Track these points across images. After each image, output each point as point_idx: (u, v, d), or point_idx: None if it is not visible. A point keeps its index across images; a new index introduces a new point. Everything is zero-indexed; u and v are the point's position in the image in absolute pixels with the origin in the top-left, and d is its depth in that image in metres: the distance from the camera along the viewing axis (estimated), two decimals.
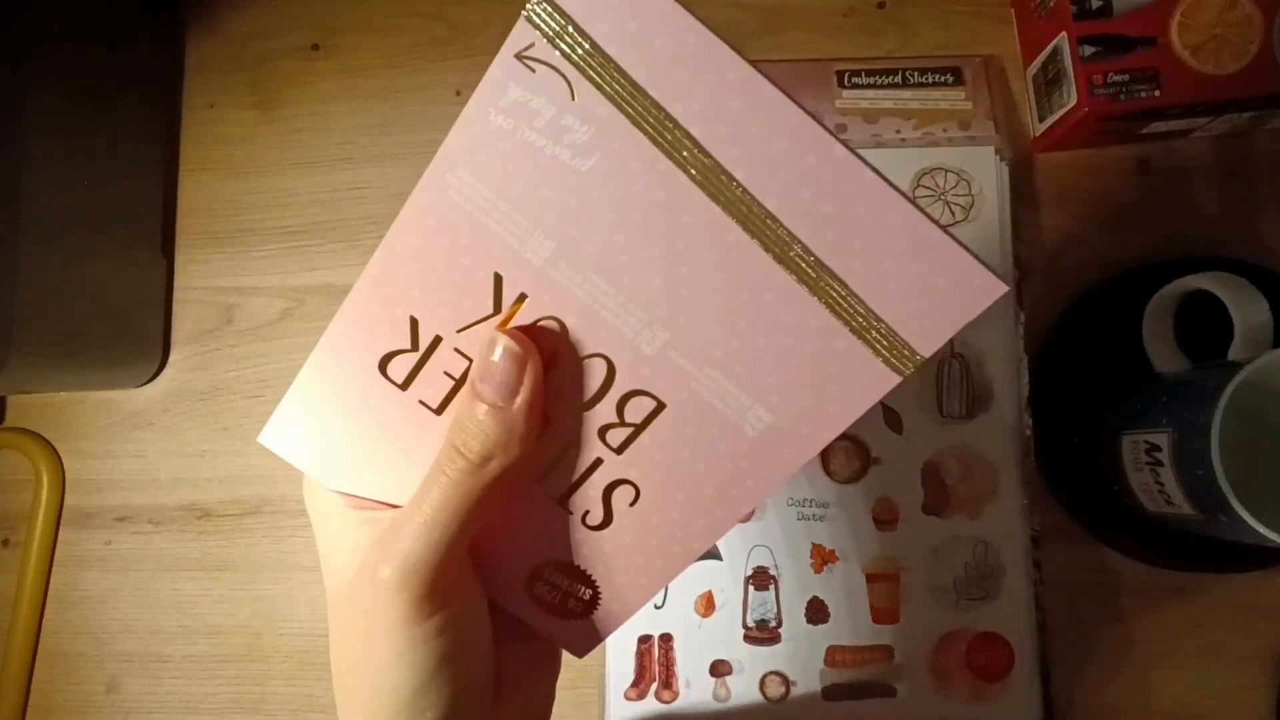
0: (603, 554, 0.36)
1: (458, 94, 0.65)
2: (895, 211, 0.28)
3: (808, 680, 0.59)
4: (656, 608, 0.61)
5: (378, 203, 0.67)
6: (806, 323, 0.30)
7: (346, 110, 0.69)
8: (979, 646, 0.59)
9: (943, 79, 0.65)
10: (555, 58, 0.29)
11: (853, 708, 0.59)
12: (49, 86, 0.59)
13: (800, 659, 0.60)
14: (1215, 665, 0.59)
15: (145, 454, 0.68)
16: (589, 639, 0.37)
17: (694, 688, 0.60)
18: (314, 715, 0.64)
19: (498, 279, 0.32)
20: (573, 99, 0.29)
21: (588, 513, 0.35)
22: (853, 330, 0.30)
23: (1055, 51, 0.59)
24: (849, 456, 0.61)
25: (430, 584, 0.32)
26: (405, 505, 0.33)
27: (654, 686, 0.60)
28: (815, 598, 0.60)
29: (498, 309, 0.33)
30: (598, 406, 0.33)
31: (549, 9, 0.29)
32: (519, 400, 0.31)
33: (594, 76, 0.29)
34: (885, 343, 0.30)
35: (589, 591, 0.36)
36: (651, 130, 0.29)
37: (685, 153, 0.29)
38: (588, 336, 0.32)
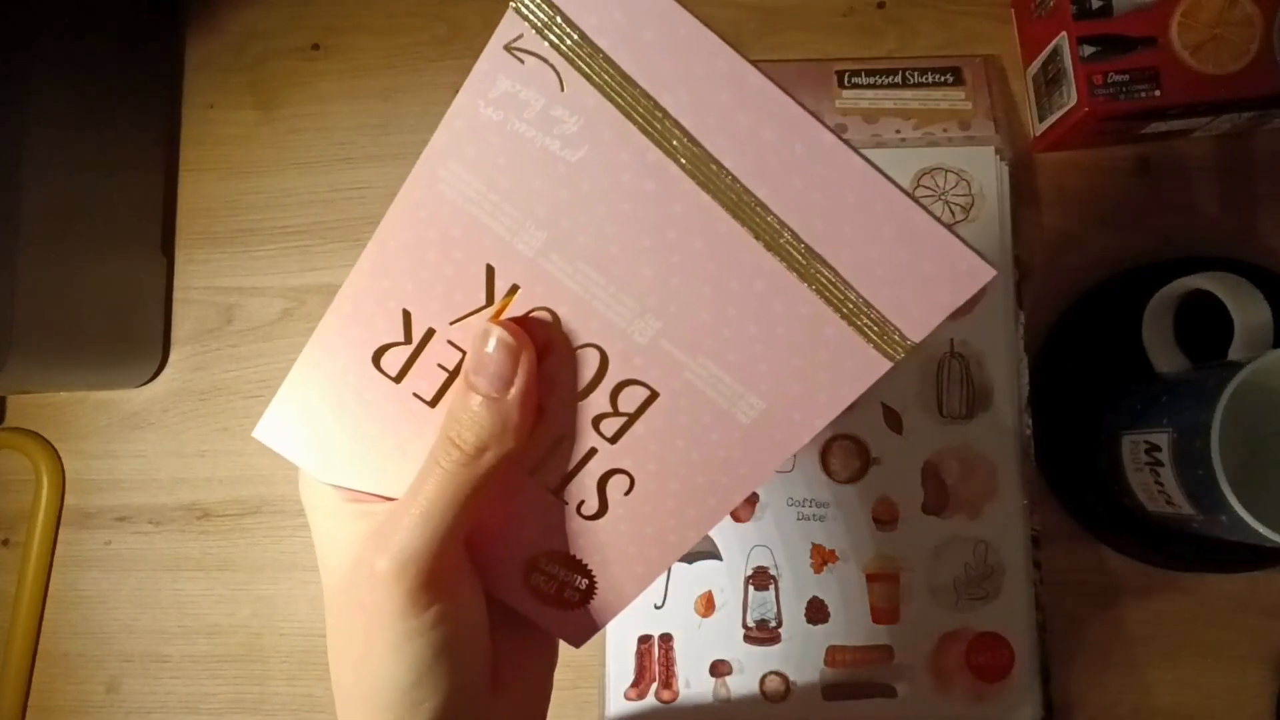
0: (598, 544, 0.36)
1: (457, 94, 0.65)
2: (884, 198, 0.28)
3: (808, 680, 0.59)
4: (656, 608, 0.61)
5: (378, 203, 0.67)
6: (797, 310, 0.30)
7: (346, 110, 0.70)
8: (979, 646, 0.58)
9: (943, 79, 0.65)
10: (544, 49, 0.29)
11: (853, 708, 0.59)
12: (49, 86, 0.59)
13: (800, 659, 0.59)
14: (1215, 665, 0.59)
15: (145, 454, 0.68)
16: (586, 629, 0.37)
17: (694, 688, 0.60)
18: (314, 715, 0.64)
19: (490, 271, 0.32)
20: (562, 90, 0.29)
21: (583, 503, 0.35)
22: (843, 317, 0.30)
23: (1055, 51, 0.59)
24: (849, 456, 0.61)
25: (426, 576, 0.31)
26: (400, 498, 0.33)
27: (654, 686, 0.60)
28: (815, 598, 0.60)
29: (490, 301, 0.33)
30: (591, 396, 0.33)
31: (538, 0, 0.29)
32: (513, 391, 0.31)
33: (583, 67, 0.29)
34: (876, 329, 0.30)
35: (585, 581, 0.36)
36: (641, 120, 0.29)
37: (675, 142, 0.29)
38: (580, 327, 0.32)
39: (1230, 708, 0.59)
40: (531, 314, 0.32)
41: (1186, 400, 0.50)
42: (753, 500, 0.61)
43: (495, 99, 0.30)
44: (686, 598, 0.61)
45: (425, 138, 0.31)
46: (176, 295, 0.69)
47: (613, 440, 0.34)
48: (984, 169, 0.62)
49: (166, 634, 0.66)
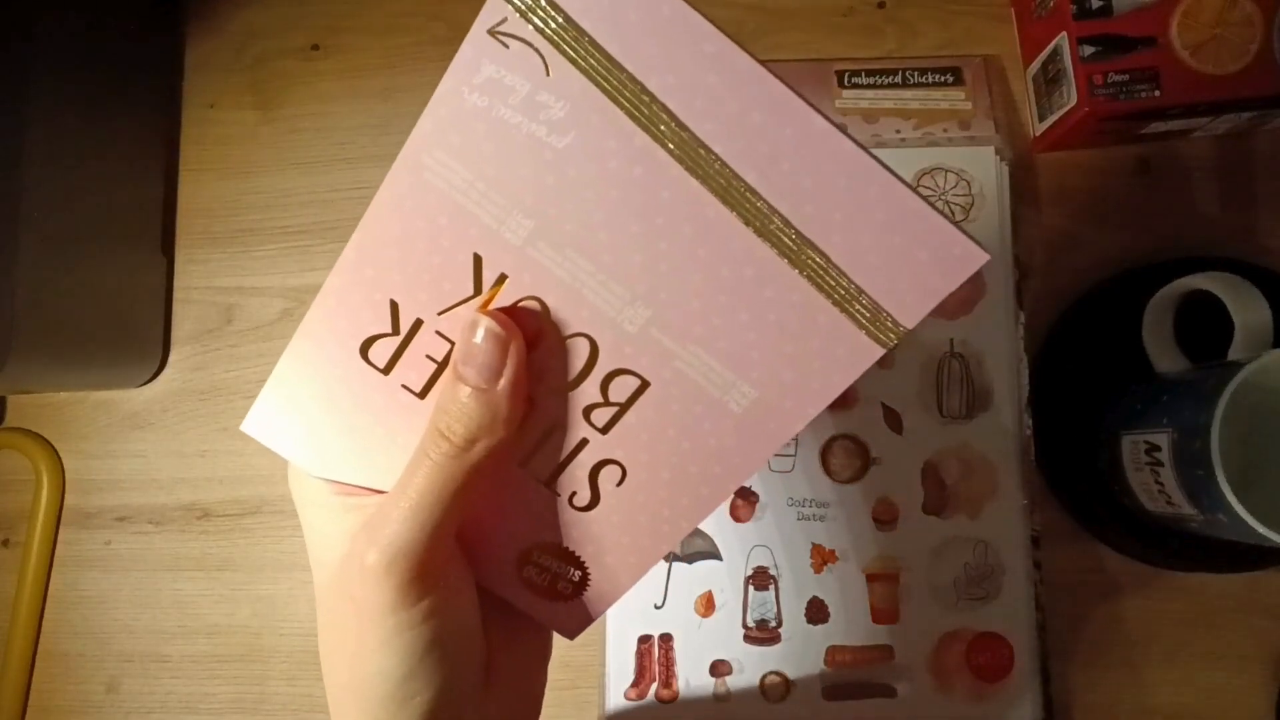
0: (591, 535, 0.35)
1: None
2: (875, 182, 0.28)
3: (808, 680, 0.59)
4: (656, 607, 0.60)
5: None
6: (788, 297, 0.30)
7: (346, 110, 0.70)
8: (979, 646, 0.58)
9: (943, 79, 0.65)
10: (529, 32, 0.29)
11: (853, 708, 0.59)
12: (49, 86, 0.59)
13: (800, 659, 0.59)
14: (1215, 665, 0.59)
15: (145, 454, 0.68)
16: (580, 620, 0.37)
17: (694, 688, 0.60)
18: (314, 715, 0.64)
19: (477, 260, 0.32)
20: (547, 74, 0.29)
21: (575, 494, 0.35)
22: (835, 303, 0.30)
23: (1055, 51, 0.59)
24: (849, 456, 0.61)
25: (417, 568, 0.31)
26: (390, 490, 0.33)
27: (654, 686, 0.60)
28: (815, 598, 0.60)
29: (478, 290, 0.32)
30: (582, 386, 0.33)
31: None
32: (502, 382, 0.31)
33: (568, 51, 0.29)
34: (868, 315, 0.30)
35: (578, 573, 0.36)
36: (628, 105, 0.29)
37: (662, 127, 0.29)
38: (569, 316, 0.32)
39: (1230, 708, 0.58)
40: (520, 303, 0.32)
41: (1186, 400, 0.50)
42: (753, 500, 0.61)
43: (480, 85, 0.30)
44: (686, 598, 0.60)
45: None
46: (176, 295, 0.70)
47: (604, 430, 0.34)
48: (984, 169, 0.62)
49: (166, 634, 0.66)
